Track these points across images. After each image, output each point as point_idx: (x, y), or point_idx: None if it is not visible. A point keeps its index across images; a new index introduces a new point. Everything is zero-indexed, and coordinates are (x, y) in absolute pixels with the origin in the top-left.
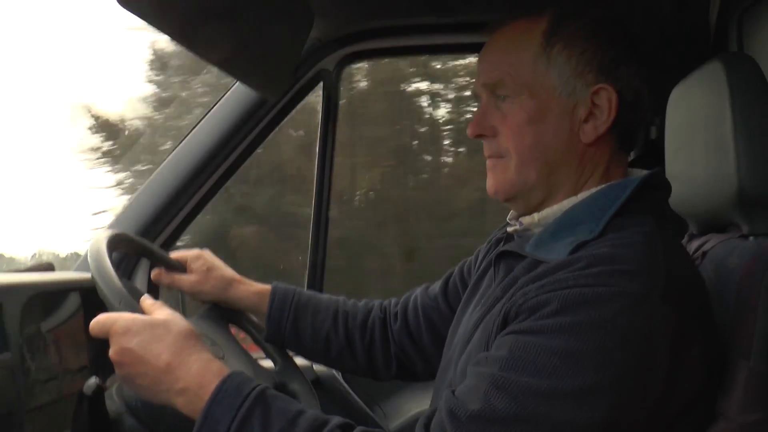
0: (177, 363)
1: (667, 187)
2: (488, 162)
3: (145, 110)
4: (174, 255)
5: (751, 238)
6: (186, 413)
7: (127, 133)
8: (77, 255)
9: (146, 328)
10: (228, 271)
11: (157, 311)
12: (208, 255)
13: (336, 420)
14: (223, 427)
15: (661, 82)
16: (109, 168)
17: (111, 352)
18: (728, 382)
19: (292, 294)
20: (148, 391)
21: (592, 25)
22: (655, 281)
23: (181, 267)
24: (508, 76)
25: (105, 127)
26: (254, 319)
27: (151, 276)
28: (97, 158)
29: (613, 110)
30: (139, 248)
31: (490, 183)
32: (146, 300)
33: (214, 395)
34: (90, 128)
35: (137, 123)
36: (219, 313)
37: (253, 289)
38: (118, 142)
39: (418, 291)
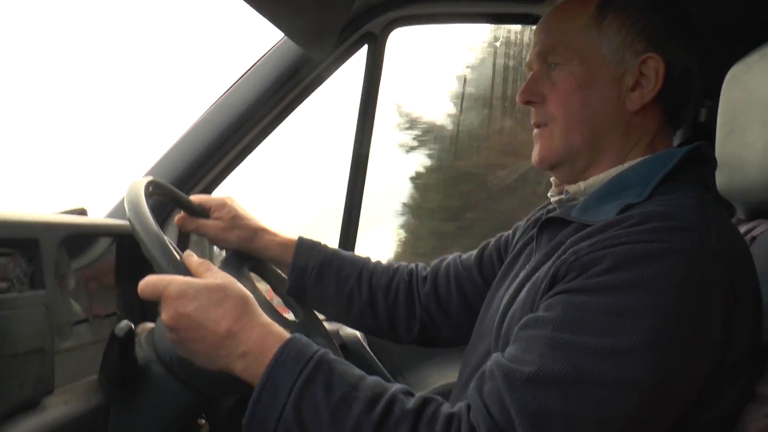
0: (238, 328)
1: (712, 161)
2: (535, 132)
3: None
4: (197, 199)
5: None
6: (245, 378)
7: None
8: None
9: (203, 292)
10: (253, 220)
11: (208, 273)
12: (233, 202)
13: (397, 386)
14: (285, 389)
15: (716, 62)
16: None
17: (165, 316)
18: None
19: (318, 248)
20: (204, 356)
21: None
22: (707, 240)
23: (204, 213)
24: (560, 43)
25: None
26: (277, 270)
27: (175, 221)
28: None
29: (660, 80)
30: (170, 193)
31: (536, 152)
32: (191, 257)
33: (276, 357)
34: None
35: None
36: (241, 261)
37: (279, 239)
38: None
39: (450, 258)
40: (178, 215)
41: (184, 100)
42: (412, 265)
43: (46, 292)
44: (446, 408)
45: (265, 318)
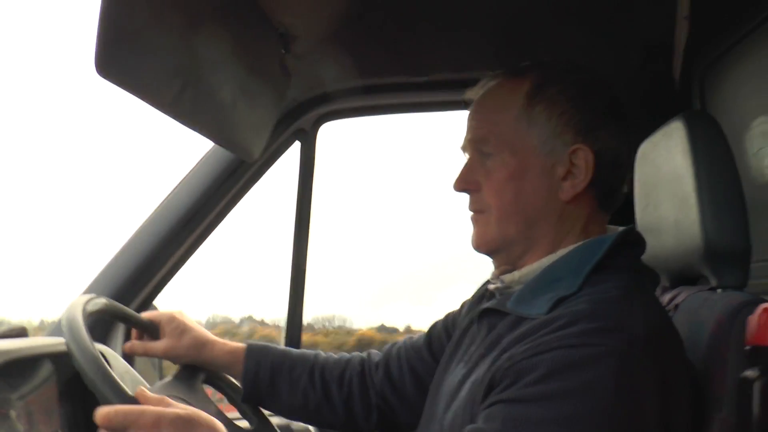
0: None
1: (641, 243)
2: (471, 216)
3: None
4: (146, 315)
5: (719, 290)
6: None
7: None
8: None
9: (177, 422)
10: (201, 332)
11: (170, 406)
12: (181, 315)
13: None
14: None
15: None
16: None
17: None
18: None
19: (267, 350)
20: None
21: (572, 88)
22: (635, 336)
23: (154, 329)
24: (492, 134)
25: None
26: (231, 378)
27: (124, 348)
28: None
29: (590, 170)
30: (113, 311)
31: (474, 237)
32: (146, 393)
33: None
34: None
35: None
36: (194, 374)
37: (227, 348)
38: None
39: (401, 342)
40: (128, 343)
41: (121, 211)
42: (364, 354)
43: None
44: None
45: None
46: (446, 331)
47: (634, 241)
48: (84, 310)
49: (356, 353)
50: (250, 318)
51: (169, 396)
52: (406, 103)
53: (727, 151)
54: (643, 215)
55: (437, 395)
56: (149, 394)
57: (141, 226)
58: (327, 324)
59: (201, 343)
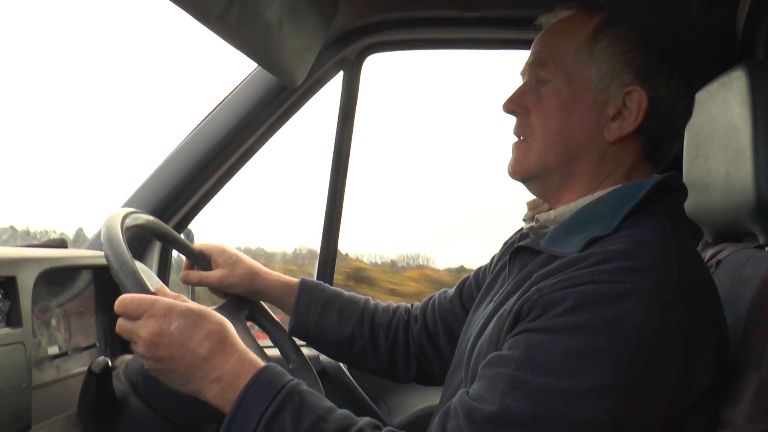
0: (217, 351)
1: (682, 191)
2: (514, 143)
3: None
4: (197, 246)
5: (767, 248)
6: (217, 403)
7: None
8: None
9: (187, 313)
10: (253, 263)
11: (187, 302)
12: (230, 248)
13: (365, 420)
14: (255, 416)
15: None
16: None
17: (145, 333)
18: (737, 392)
19: (320, 288)
20: (179, 377)
21: (641, 30)
22: (669, 280)
23: (206, 261)
24: (552, 59)
25: None
26: (275, 317)
27: (180, 278)
28: None
29: (642, 114)
30: (161, 233)
31: (511, 162)
32: (165, 290)
33: (249, 385)
34: None
35: None
36: (238, 308)
37: (282, 279)
38: None
39: (436, 295)
40: (183, 273)
41: (163, 128)
42: (409, 304)
43: (22, 330)
44: None
45: (243, 346)
46: (477, 282)
47: (674, 188)
48: (123, 223)
49: (403, 303)
50: (283, 253)
51: None
52: (455, 39)
53: None
54: (690, 167)
55: (465, 337)
56: (168, 290)
57: (180, 146)
58: (411, 262)
59: (255, 273)
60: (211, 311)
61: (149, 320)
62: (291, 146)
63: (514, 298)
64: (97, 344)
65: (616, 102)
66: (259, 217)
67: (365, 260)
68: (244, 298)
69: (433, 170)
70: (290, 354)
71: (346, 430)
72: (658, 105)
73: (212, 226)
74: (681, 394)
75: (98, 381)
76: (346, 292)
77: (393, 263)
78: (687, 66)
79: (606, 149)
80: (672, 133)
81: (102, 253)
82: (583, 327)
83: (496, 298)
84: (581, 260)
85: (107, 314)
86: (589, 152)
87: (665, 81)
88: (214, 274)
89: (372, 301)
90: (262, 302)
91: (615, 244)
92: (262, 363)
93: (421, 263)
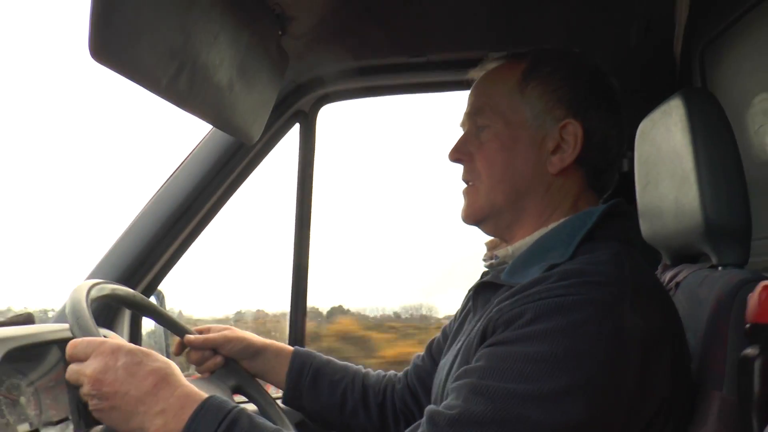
0: (162, 386)
1: (630, 215)
2: (463, 189)
3: None
4: (202, 338)
5: (720, 268)
6: None
7: None
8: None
9: (134, 352)
10: (255, 341)
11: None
12: (234, 333)
13: None
14: None
15: (629, 116)
16: None
17: (91, 371)
18: (701, 412)
19: (312, 355)
20: (122, 414)
21: (566, 68)
22: (623, 291)
23: (177, 327)
24: (487, 105)
25: None
26: (262, 387)
27: (192, 357)
28: None
29: (579, 145)
30: (128, 300)
31: (463, 207)
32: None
33: (196, 413)
34: None
35: None
36: (223, 379)
37: (275, 346)
38: None
39: (414, 356)
40: (176, 343)
41: (121, 198)
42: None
43: None
44: None
45: (186, 382)
46: (444, 336)
47: (622, 213)
48: (88, 294)
49: (392, 371)
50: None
51: None
52: (405, 84)
53: (727, 129)
54: (643, 194)
55: (438, 377)
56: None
57: (142, 211)
58: (414, 312)
59: (255, 351)
60: (160, 355)
61: (96, 358)
62: (256, 202)
63: (479, 324)
64: (70, 417)
65: (554, 136)
66: (229, 279)
67: (368, 314)
68: (231, 369)
69: (409, 217)
70: (279, 424)
71: None
72: (592, 135)
73: (182, 289)
74: (639, 402)
75: None
76: (338, 361)
77: (397, 315)
78: (612, 96)
79: (551, 182)
80: (609, 161)
81: (67, 326)
82: (541, 335)
83: (463, 336)
84: (540, 281)
85: (79, 388)
86: (535, 187)
87: (595, 112)
88: (219, 360)
89: (363, 368)
90: (249, 372)
91: (571, 266)
92: (205, 395)
93: (424, 313)
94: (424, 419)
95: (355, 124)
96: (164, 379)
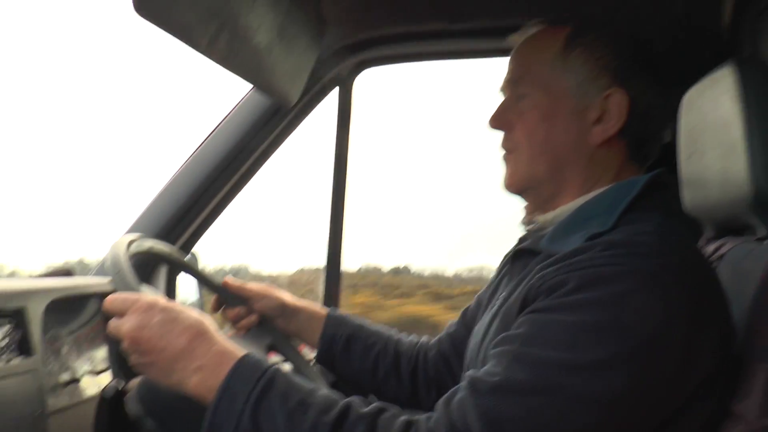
0: (198, 342)
1: (673, 186)
2: (503, 156)
3: None
4: (235, 287)
5: (766, 241)
6: (198, 393)
7: None
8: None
9: (168, 308)
10: (293, 302)
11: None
12: (272, 292)
13: (352, 398)
14: (241, 397)
15: (673, 87)
16: None
17: (128, 327)
18: (746, 386)
19: (347, 318)
20: (161, 370)
21: (612, 36)
22: (669, 263)
23: (238, 299)
24: (528, 74)
25: None
26: (296, 348)
27: (228, 314)
28: None
29: (623, 115)
30: (166, 257)
31: (504, 176)
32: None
33: (234, 369)
34: None
35: None
36: (259, 337)
37: (309, 309)
38: None
39: (448, 324)
40: (230, 312)
41: (163, 153)
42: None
43: (34, 358)
44: (405, 416)
45: (222, 338)
46: (477, 304)
47: (665, 184)
48: (128, 248)
49: (425, 336)
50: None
51: None
52: (444, 51)
53: None
54: (687, 165)
55: (472, 342)
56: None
57: (180, 169)
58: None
59: (292, 312)
60: (190, 309)
61: (132, 315)
62: (293, 165)
63: (518, 290)
64: (110, 368)
65: (597, 107)
66: (264, 239)
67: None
68: (266, 328)
69: (441, 181)
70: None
71: (334, 403)
72: (637, 104)
73: (216, 248)
74: (685, 375)
75: (111, 405)
76: (371, 324)
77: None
78: (659, 65)
79: (592, 154)
80: (653, 132)
81: (107, 280)
82: (584, 304)
83: (499, 300)
84: (584, 250)
85: (116, 340)
86: (577, 158)
87: (641, 81)
88: (254, 318)
89: (396, 333)
90: (285, 332)
91: (615, 236)
92: (242, 352)
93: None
94: (463, 384)
95: (393, 89)
96: (199, 335)
